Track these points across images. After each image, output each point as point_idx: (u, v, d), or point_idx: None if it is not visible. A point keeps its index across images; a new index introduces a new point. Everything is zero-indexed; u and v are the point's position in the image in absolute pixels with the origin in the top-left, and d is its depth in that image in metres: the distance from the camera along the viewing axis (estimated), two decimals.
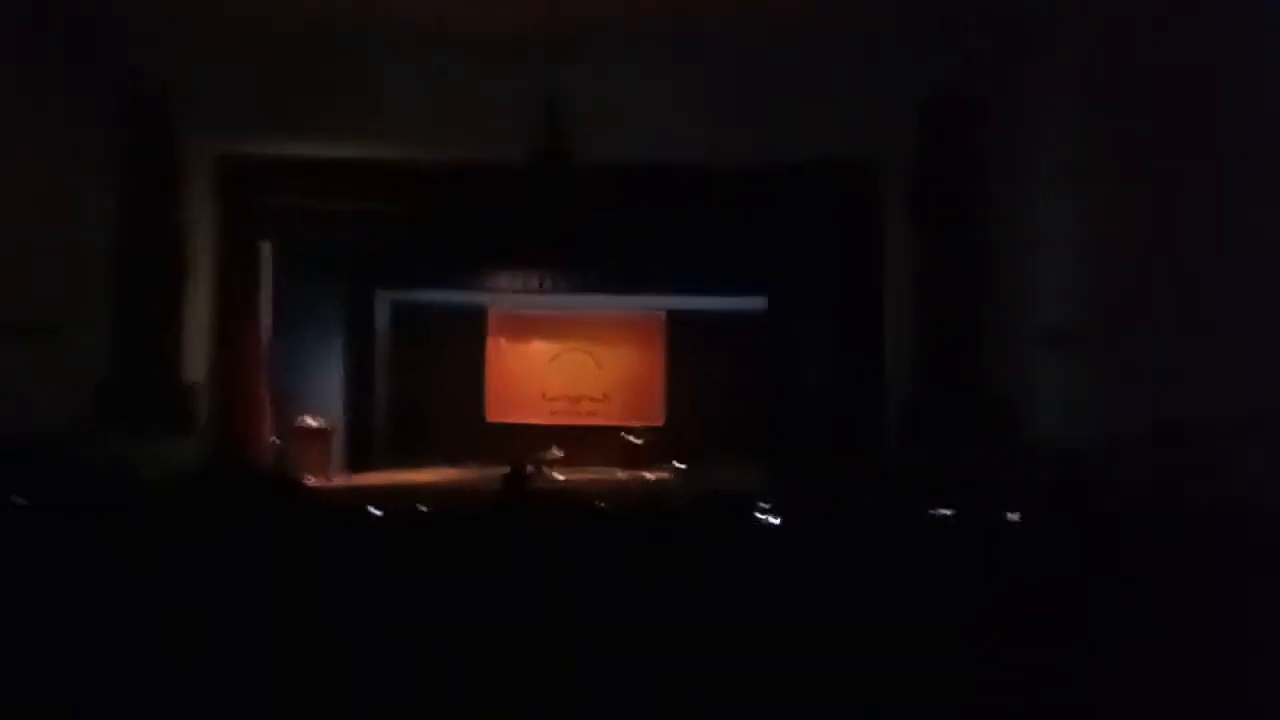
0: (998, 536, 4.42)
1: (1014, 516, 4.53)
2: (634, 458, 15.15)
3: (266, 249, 11.78)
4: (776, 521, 4.62)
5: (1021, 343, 9.90)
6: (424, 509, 5.67)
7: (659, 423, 15.77)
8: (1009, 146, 10.12)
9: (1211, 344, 6.77)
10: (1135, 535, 3.76)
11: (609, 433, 16.38)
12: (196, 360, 10.70)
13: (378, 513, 4.54)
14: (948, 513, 4.71)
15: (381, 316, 16.25)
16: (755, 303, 15.74)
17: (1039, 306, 9.78)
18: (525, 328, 17.23)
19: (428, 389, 16.68)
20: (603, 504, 5.83)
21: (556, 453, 14.44)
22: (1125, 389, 7.98)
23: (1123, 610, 2.95)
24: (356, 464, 14.09)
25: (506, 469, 9.12)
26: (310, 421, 13.16)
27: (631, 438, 14.77)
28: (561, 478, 13.99)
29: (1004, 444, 9.30)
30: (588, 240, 12.93)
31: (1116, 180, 8.44)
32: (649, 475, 14.44)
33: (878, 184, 10.73)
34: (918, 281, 10.39)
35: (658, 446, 15.01)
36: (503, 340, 17.24)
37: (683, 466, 13.47)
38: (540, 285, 15.01)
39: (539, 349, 17.20)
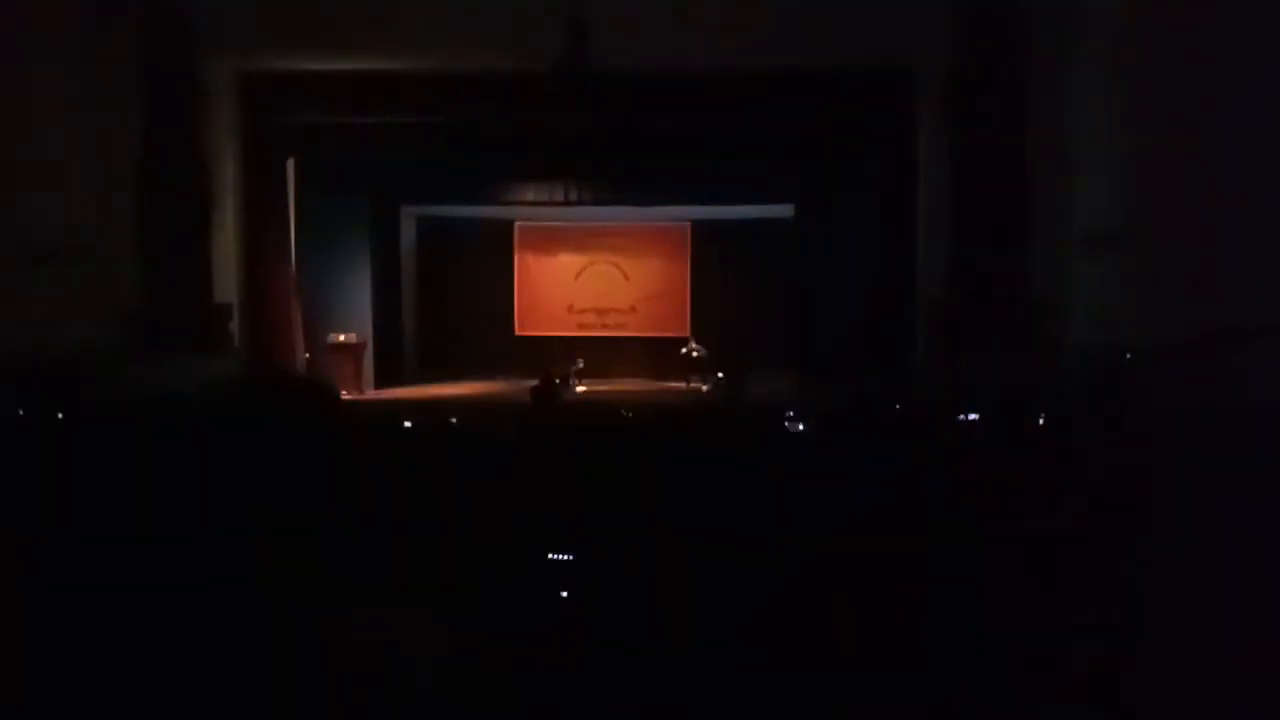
0: (1031, 442, 4.41)
1: (1043, 421, 4.51)
2: (660, 368, 15.23)
3: (291, 166, 11.74)
4: (806, 430, 4.63)
5: (1058, 248, 9.73)
6: (454, 421, 5.74)
7: (684, 334, 15.77)
8: (1048, 48, 9.78)
9: (1248, 249, 6.64)
10: (1171, 440, 3.74)
11: (636, 343, 16.46)
12: (226, 279, 10.77)
13: (409, 424, 4.60)
14: (975, 418, 4.70)
15: (407, 231, 16.24)
16: (782, 211, 15.55)
17: (1076, 212, 9.58)
18: (552, 241, 17.18)
19: (457, 303, 16.79)
20: (630, 414, 5.86)
21: (579, 363, 14.54)
22: (1162, 294, 7.86)
23: (1156, 515, 2.94)
24: (388, 378, 14.25)
25: (535, 382, 9.20)
26: (341, 337, 13.29)
27: (694, 352, 14.75)
28: (588, 389, 14.10)
29: (1039, 350, 9.22)
30: (613, 151, 12.77)
31: (1157, 84, 8.17)
32: (677, 386, 14.53)
33: (912, 87, 10.44)
34: (952, 187, 10.17)
35: (682, 357, 15.05)
36: (530, 253, 17.21)
37: (720, 376, 13.49)
38: (565, 197, 14.88)
39: (566, 262, 17.17)
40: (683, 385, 14.51)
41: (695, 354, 14.67)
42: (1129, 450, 3.61)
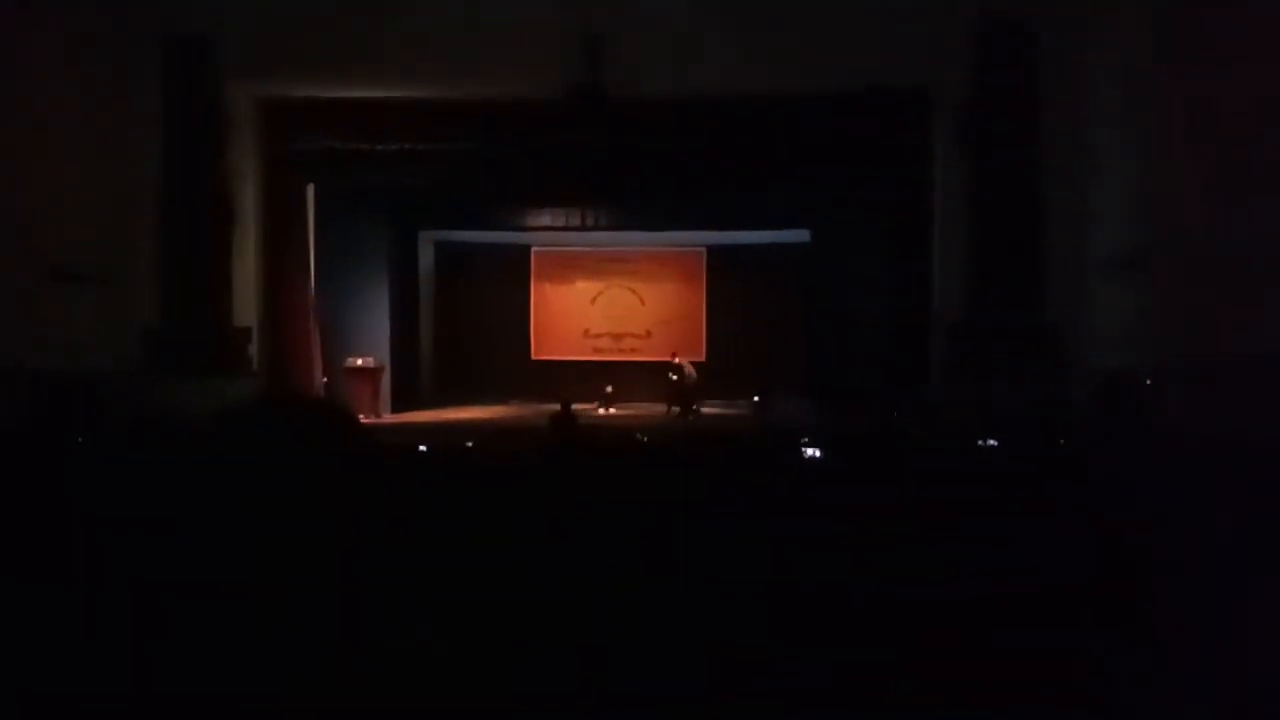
0: (1046, 467, 4.37)
1: (1062, 446, 4.47)
2: (677, 393, 15.21)
3: (311, 191, 11.84)
4: (823, 455, 4.60)
5: (1075, 272, 9.69)
6: (470, 445, 5.75)
7: (700, 358, 15.77)
8: (1064, 72, 9.78)
9: (1267, 272, 6.58)
10: (1191, 464, 3.70)
11: (652, 368, 16.47)
12: (246, 302, 10.84)
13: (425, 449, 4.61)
14: (994, 443, 4.67)
15: (425, 257, 16.36)
16: (798, 236, 15.57)
17: (1092, 236, 9.55)
18: (568, 265, 17.26)
19: (473, 327, 16.87)
20: (646, 439, 5.86)
21: (609, 389, 14.55)
22: (1180, 318, 7.80)
23: (1177, 540, 2.91)
24: (404, 402, 14.30)
25: (554, 406, 9.21)
26: (359, 361, 13.35)
27: (679, 376, 14.70)
28: (608, 413, 14.09)
29: (1057, 375, 9.16)
30: (629, 176, 12.82)
31: (1174, 107, 8.15)
32: (693, 410, 14.49)
33: (928, 111, 10.45)
34: (968, 210, 10.15)
35: (699, 381, 15.02)
36: (546, 278, 17.30)
37: (756, 400, 13.50)
38: (582, 222, 14.96)
39: (582, 287, 17.24)
40: (697, 409, 14.42)
41: (679, 377, 14.49)
42: (1149, 475, 3.57)
